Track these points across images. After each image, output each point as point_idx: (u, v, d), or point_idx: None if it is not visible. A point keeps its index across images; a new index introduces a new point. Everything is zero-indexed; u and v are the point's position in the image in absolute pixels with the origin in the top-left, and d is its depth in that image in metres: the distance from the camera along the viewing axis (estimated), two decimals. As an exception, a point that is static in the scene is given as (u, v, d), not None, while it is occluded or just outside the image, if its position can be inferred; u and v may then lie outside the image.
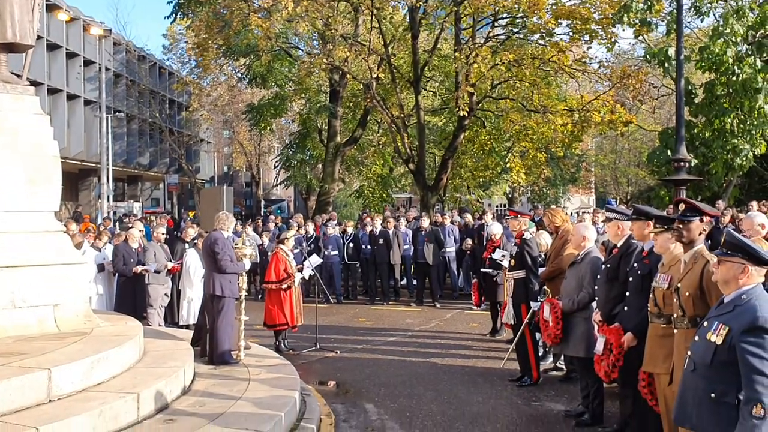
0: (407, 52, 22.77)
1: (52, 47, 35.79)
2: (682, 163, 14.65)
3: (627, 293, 5.64)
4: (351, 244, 15.72)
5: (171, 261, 11.40)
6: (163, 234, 11.91)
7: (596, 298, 6.29)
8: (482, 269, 10.74)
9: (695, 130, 19.08)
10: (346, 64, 21.45)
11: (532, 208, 19.11)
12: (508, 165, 23.38)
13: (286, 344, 10.20)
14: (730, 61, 17.34)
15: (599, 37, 19.18)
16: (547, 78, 21.11)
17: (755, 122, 17.72)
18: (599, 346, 5.82)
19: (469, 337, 11.04)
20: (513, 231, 8.33)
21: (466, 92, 19.38)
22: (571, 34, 19.66)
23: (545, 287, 7.38)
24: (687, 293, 4.46)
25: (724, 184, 20.85)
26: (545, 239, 8.99)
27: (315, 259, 11.42)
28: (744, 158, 18.01)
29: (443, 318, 12.93)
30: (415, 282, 15.50)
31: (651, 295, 4.98)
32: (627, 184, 42.23)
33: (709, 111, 18.53)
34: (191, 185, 43.92)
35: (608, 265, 6.10)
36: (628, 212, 6.12)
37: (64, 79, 36.69)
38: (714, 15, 19.60)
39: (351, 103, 26.94)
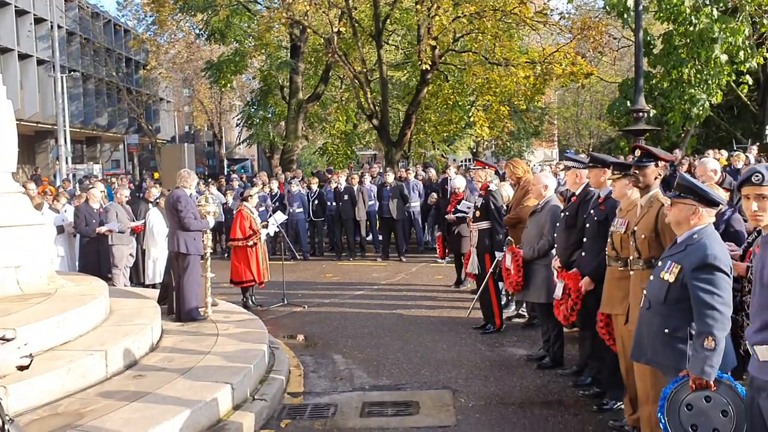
0: (368, 5, 22.46)
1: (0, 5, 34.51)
2: (641, 114, 14.87)
3: (584, 239, 5.78)
4: (316, 201, 15.71)
5: (134, 221, 11.30)
6: (126, 196, 11.77)
7: (555, 246, 6.44)
8: (449, 223, 10.81)
9: (654, 81, 19.36)
10: (306, 18, 21.11)
11: (497, 162, 19.28)
12: (471, 119, 23.44)
13: (254, 300, 10.26)
14: (688, 11, 17.54)
15: (560, -12, 19.16)
16: (508, 30, 21.05)
17: (711, 72, 18.04)
18: (558, 292, 5.99)
19: (435, 289, 11.22)
20: (478, 182, 8.43)
21: (428, 45, 19.28)
22: (532, -16, 19.61)
23: (509, 237, 7.53)
24: (643, 236, 4.59)
25: (682, 134, 21.27)
26: (507, 191, 9.11)
27: (280, 216, 11.41)
28: (701, 108, 18.37)
29: (409, 271, 13.10)
30: (380, 237, 15.61)
31: (609, 240, 5.12)
32: (589, 136, 42.68)
33: (667, 61, 18.79)
34: (152, 145, 43.18)
35: (567, 213, 6.22)
36: (586, 160, 6.23)
37: (14, 37, 35.42)
38: (672, -35, 19.68)
39: (312, 59, 26.60)
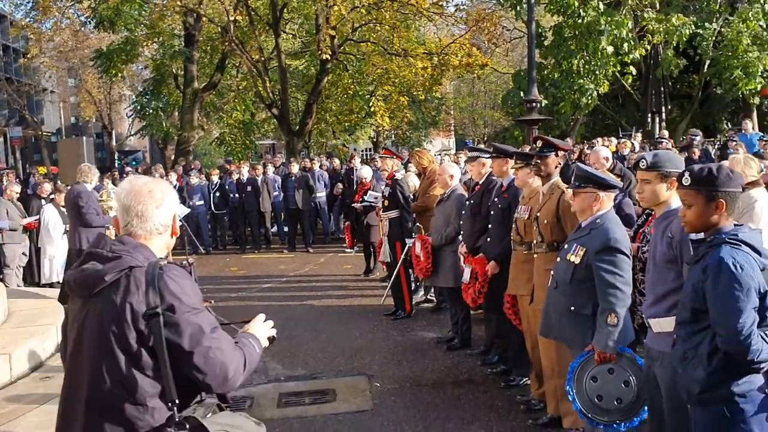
0: (265, -6, 22.21)
1: None
2: (533, 104, 15.51)
3: (489, 225, 6.05)
4: (218, 193, 15.39)
5: (26, 218, 10.76)
6: (16, 192, 11.17)
7: (462, 232, 6.69)
8: (358, 212, 10.93)
9: (545, 72, 20.15)
10: (200, 6, 20.62)
11: (397, 151, 19.56)
12: (372, 109, 23.64)
13: (158, 297, 10.00)
14: (576, 4, 18.32)
15: (455, -20, 19.67)
16: (406, 21, 21.37)
17: (599, 63, 18.95)
18: (466, 276, 6.23)
19: (344, 279, 11.32)
20: (384, 170, 8.59)
21: (327, 35, 19.28)
22: (427, -24, 19.96)
23: (418, 224, 7.74)
24: (545, 221, 4.87)
25: (572, 123, 22.31)
26: (413, 180, 9.35)
27: (182, 209, 11.14)
28: (589, 97, 19.29)
29: (317, 262, 13.12)
30: (286, 228, 15.49)
31: (513, 225, 5.39)
32: (484, 125, 43.81)
33: (557, 53, 19.59)
34: (36, 138, 40.93)
35: (471, 201, 6.49)
36: (489, 150, 6.51)
37: None
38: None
39: (208, 47, 25.93)
